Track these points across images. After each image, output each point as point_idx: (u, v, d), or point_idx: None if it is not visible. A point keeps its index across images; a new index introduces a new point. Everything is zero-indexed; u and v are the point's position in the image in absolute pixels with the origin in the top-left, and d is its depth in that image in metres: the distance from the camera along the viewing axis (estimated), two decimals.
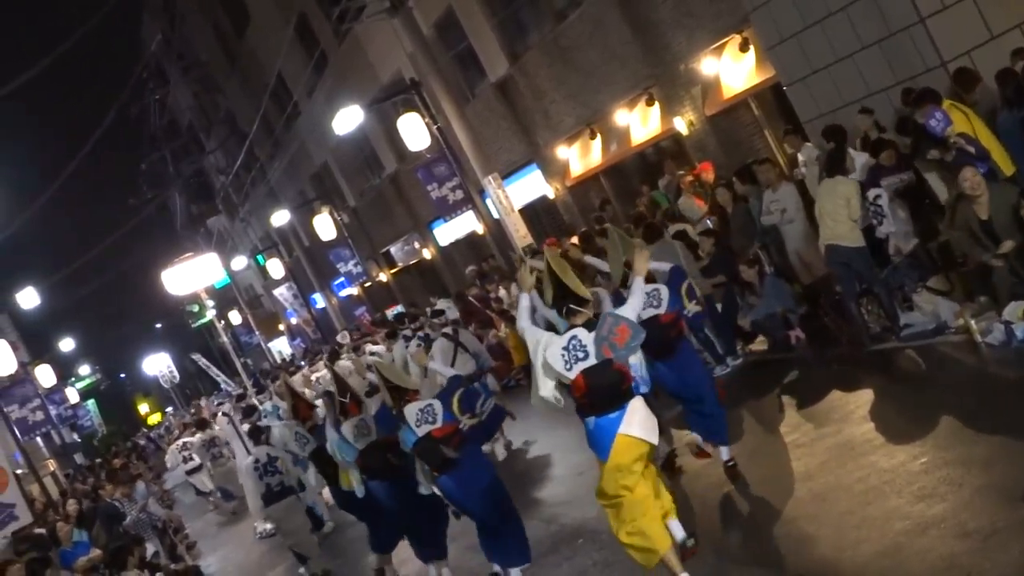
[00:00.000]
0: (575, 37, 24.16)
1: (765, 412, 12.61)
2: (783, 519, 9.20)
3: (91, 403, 75.18)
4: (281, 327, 60.75)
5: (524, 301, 9.00)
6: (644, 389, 8.60)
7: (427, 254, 39.33)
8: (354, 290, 46.91)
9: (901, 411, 10.65)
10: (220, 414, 29.40)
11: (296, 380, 26.84)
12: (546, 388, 8.63)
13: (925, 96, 12.85)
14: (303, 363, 35.40)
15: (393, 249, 43.18)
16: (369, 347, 25.32)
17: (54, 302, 56.49)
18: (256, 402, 27.23)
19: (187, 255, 31.66)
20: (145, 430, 65.63)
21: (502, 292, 23.99)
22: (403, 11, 24.01)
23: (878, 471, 9.00)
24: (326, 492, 17.76)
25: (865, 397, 11.37)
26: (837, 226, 13.01)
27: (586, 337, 8.30)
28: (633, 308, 8.48)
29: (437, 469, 10.58)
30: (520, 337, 9.70)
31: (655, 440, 8.41)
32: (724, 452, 10.97)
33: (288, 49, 36.86)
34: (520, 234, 23.79)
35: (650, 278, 10.81)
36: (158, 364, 63.85)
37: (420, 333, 20.76)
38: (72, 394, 63.46)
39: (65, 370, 68.90)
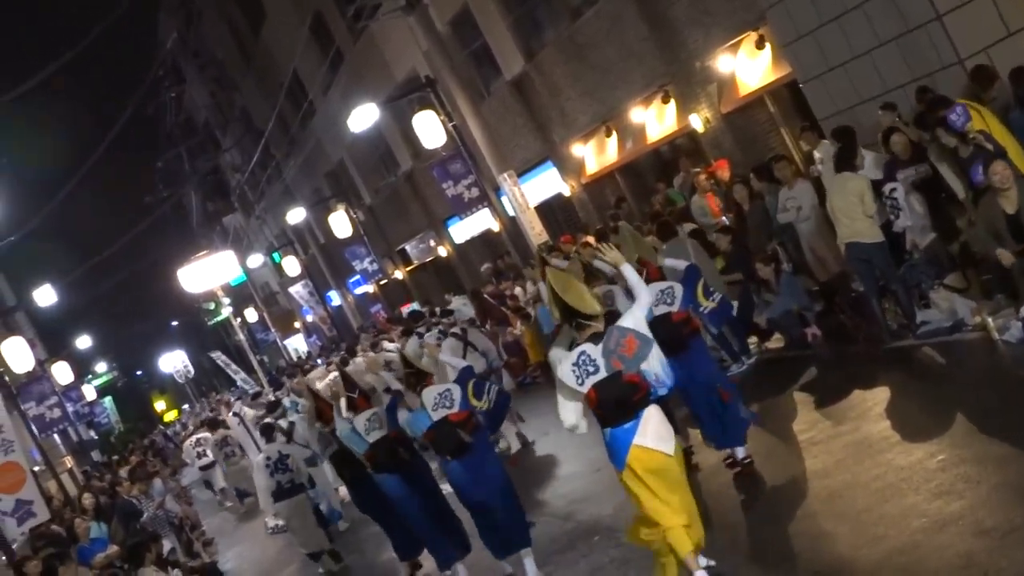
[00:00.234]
0: (591, 34, 24.14)
1: (781, 410, 12.58)
2: (800, 516, 9.19)
3: (108, 400, 75.39)
4: (297, 325, 60.81)
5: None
6: (662, 391, 8.57)
7: (443, 252, 39.34)
8: (370, 288, 46.93)
9: (918, 409, 10.63)
10: (231, 413, 29.50)
11: (314, 375, 26.89)
12: (567, 413, 8.72)
13: (938, 103, 12.83)
14: (319, 360, 35.45)
15: (409, 247, 43.19)
16: (385, 344, 25.38)
17: (71, 300, 56.61)
18: (275, 398, 27.32)
19: (203, 253, 31.74)
20: (162, 427, 65.69)
21: (517, 290, 23.99)
22: (419, 9, 24.03)
23: (895, 469, 8.99)
24: (342, 490, 17.89)
25: (882, 395, 11.36)
26: (855, 223, 12.97)
27: (594, 351, 8.30)
28: (636, 316, 8.41)
29: (451, 454, 10.75)
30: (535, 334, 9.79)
31: (670, 450, 8.37)
32: (740, 451, 11.00)
33: (304, 47, 36.93)
34: (535, 232, 23.79)
35: (658, 275, 10.90)
36: (174, 361, 64.07)
37: (439, 327, 20.79)
38: (89, 391, 63.58)
39: (82, 367, 69.02)
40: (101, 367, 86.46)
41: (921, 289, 12.93)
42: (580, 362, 8.33)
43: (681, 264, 11.59)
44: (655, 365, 8.39)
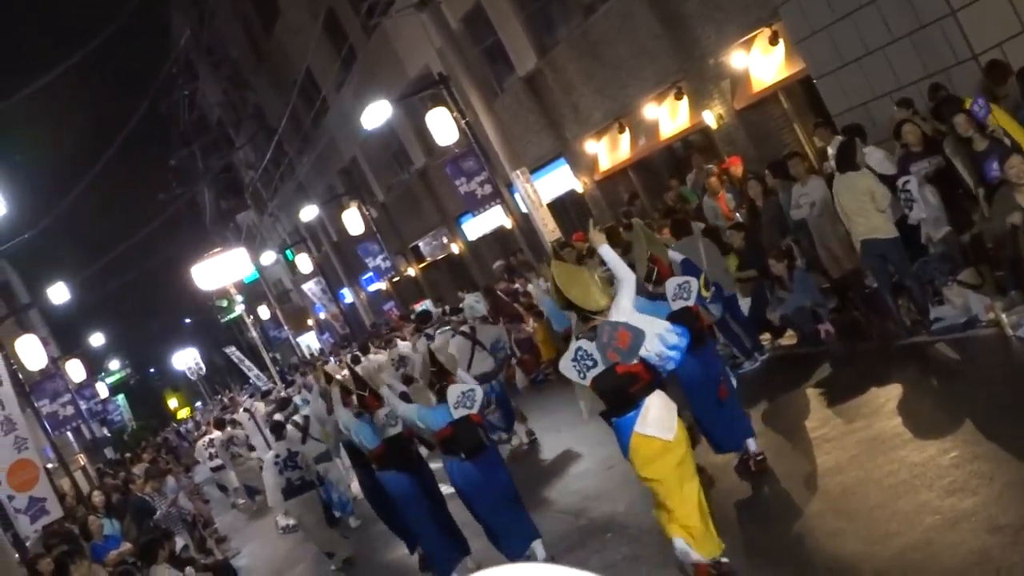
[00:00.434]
0: (604, 31, 24.12)
1: (795, 406, 12.56)
2: (812, 513, 9.17)
3: (121, 398, 75.51)
4: (310, 322, 60.90)
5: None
6: (671, 366, 8.68)
7: (455, 249, 39.34)
8: (382, 285, 46.93)
9: (931, 405, 10.61)
10: (242, 410, 29.54)
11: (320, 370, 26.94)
12: (586, 404, 8.94)
13: (949, 103, 12.81)
14: (332, 358, 35.47)
15: (421, 244, 43.22)
16: (398, 341, 25.41)
17: (84, 297, 56.77)
18: (286, 395, 27.34)
19: (216, 250, 31.78)
20: (175, 425, 65.81)
21: (530, 287, 23.97)
22: (431, 6, 24.02)
23: (908, 465, 8.97)
24: (355, 485, 17.95)
25: (895, 391, 11.33)
26: (869, 220, 12.94)
27: (589, 347, 8.46)
28: (623, 305, 8.50)
29: (468, 453, 10.86)
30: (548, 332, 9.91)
31: (670, 436, 8.44)
32: (752, 446, 10.99)
33: (317, 44, 36.92)
34: (548, 228, 23.78)
35: (669, 272, 10.99)
36: (187, 359, 64.17)
37: (449, 327, 20.81)
38: (102, 389, 63.73)
39: (95, 365, 69.20)
40: (114, 365, 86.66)
41: (935, 285, 12.90)
42: (578, 357, 8.51)
43: (678, 256, 11.71)
44: (654, 345, 8.50)
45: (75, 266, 66.51)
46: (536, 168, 27.65)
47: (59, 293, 43.40)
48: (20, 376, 32.40)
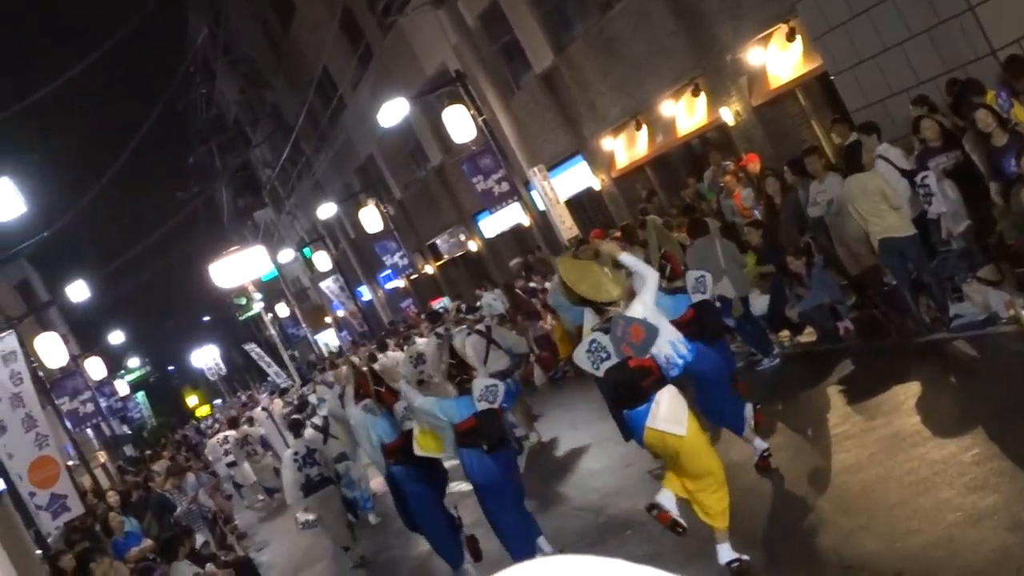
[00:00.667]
0: (620, 28, 24.11)
1: (814, 404, 12.55)
2: (833, 510, 9.16)
3: (140, 395, 75.75)
4: (328, 319, 60.94)
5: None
6: (674, 372, 8.87)
7: (473, 246, 39.35)
8: (400, 282, 46.95)
9: (951, 402, 10.61)
10: (260, 408, 29.58)
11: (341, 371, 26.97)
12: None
13: (969, 88, 12.78)
14: (349, 355, 35.53)
15: (439, 241, 43.24)
16: (416, 338, 25.47)
17: (104, 295, 56.84)
18: (301, 395, 27.42)
19: (234, 248, 31.94)
20: (195, 422, 65.98)
21: (547, 284, 24.00)
22: (448, 3, 24.11)
23: (928, 462, 8.96)
24: (374, 482, 18.01)
25: (915, 388, 11.31)
26: (885, 220, 12.94)
27: (604, 339, 8.65)
28: (644, 302, 8.72)
29: (492, 445, 10.98)
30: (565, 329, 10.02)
31: (681, 431, 8.63)
32: (760, 444, 11.15)
33: (333, 43, 36.97)
34: (566, 226, 23.81)
35: (679, 267, 11.14)
36: (206, 357, 64.34)
37: (465, 326, 20.88)
38: (122, 386, 63.93)
39: (115, 363, 69.39)
40: (134, 362, 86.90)
41: (954, 282, 12.88)
42: (592, 349, 8.72)
43: (695, 274, 11.78)
44: (664, 347, 8.72)
45: (94, 264, 66.81)
46: (553, 165, 27.65)
47: (79, 291, 43.45)
48: (41, 374, 32.56)
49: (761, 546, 9.14)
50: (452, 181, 37.16)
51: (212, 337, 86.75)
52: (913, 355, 12.75)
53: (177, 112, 58.22)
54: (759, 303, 15.45)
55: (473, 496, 11.65)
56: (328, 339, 59.61)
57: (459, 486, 14.00)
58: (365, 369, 14.39)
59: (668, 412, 8.64)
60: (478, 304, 25.17)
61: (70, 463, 26.47)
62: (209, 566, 14.75)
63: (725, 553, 8.78)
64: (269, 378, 45.53)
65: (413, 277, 45.32)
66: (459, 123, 25.56)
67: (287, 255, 55.76)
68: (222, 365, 64.06)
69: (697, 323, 10.90)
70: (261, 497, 26.99)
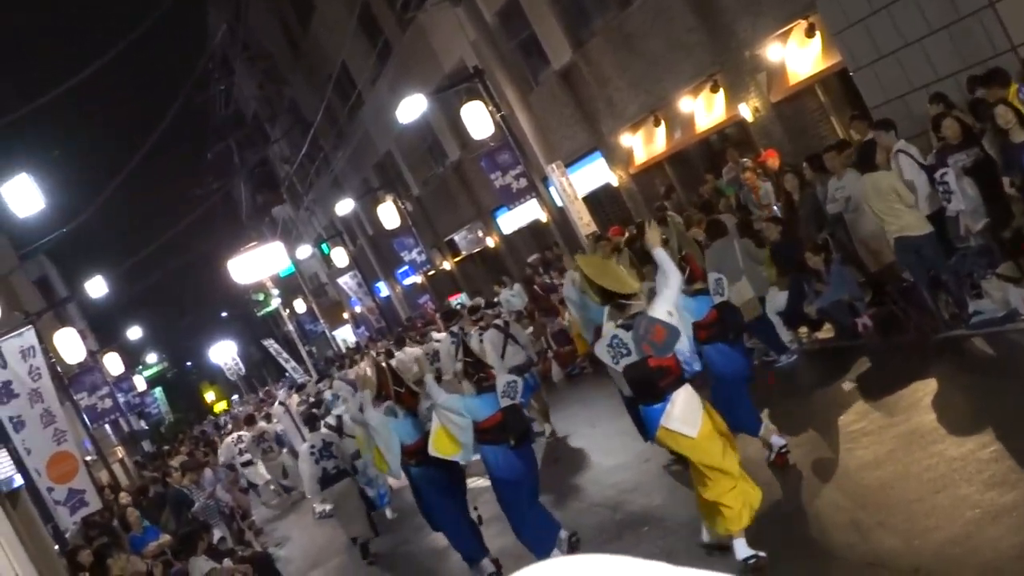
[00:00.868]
0: (639, 24, 24.08)
1: (832, 400, 12.52)
2: (851, 507, 9.14)
3: (158, 391, 75.98)
4: (345, 315, 60.99)
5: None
6: (697, 367, 9.24)
7: (490, 242, 39.36)
8: (418, 278, 47.01)
9: (970, 399, 10.57)
10: (277, 403, 29.62)
11: (363, 366, 26.99)
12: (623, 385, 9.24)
13: (994, 77, 12.74)
14: (367, 351, 35.56)
15: (457, 237, 43.24)
16: (434, 334, 25.50)
17: (122, 291, 56.92)
18: (317, 392, 27.44)
19: (252, 244, 31.95)
20: (212, 418, 66.12)
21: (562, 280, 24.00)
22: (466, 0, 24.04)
23: (947, 459, 8.93)
24: (392, 479, 18.05)
25: (933, 385, 11.28)
26: (900, 219, 12.93)
27: (625, 336, 8.82)
28: (668, 300, 8.83)
29: (518, 440, 11.13)
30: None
31: (693, 433, 8.81)
32: (778, 441, 11.21)
33: (352, 39, 37.00)
34: (584, 222, 23.75)
35: (700, 271, 11.17)
36: (224, 353, 64.39)
37: (480, 323, 20.91)
38: (140, 382, 64.15)
39: (133, 358, 69.65)
40: (151, 358, 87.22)
41: (973, 279, 12.82)
42: (613, 344, 8.89)
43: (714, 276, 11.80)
44: (687, 347, 9.05)
45: (113, 260, 67.07)
46: (571, 162, 27.62)
47: (97, 287, 43.59)
48: (59, 369, 32.66)
49: (778, 543, 9.11)
50: (470, 177, 37.17)
51: (230, 333, 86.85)
52: (932, 352, 12.71)
53: (196, 108, 58.26)
54: (778, 299, 15.42)
55: (490, 493, 11.70)
56: (346, 335, 59.66)
57: (476, 482, 14.01)
58: (385, 366, 14.39)
59: (682, 413, 8.83)
60: (496, 300, 25.17)
61: (88, 458, 26.57)
62: (227, 561, 14.79)
63: (741, 549, 8.83)
64: (287, 374, 45.52)
65: (431, 273, 45.35)
66: (477, 119, 25.52)
67: (305, 251, 55.80)
68: (241, 364, 64.03)
69: (719, 324, 10.94)
70: (276, 498, 27.03)
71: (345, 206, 46.31)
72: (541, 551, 10.94)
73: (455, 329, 21.21)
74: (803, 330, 15.85)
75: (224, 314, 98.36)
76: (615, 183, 28.35)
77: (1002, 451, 8.58)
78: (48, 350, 28.36)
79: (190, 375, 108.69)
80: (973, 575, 7.12)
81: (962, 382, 11.35)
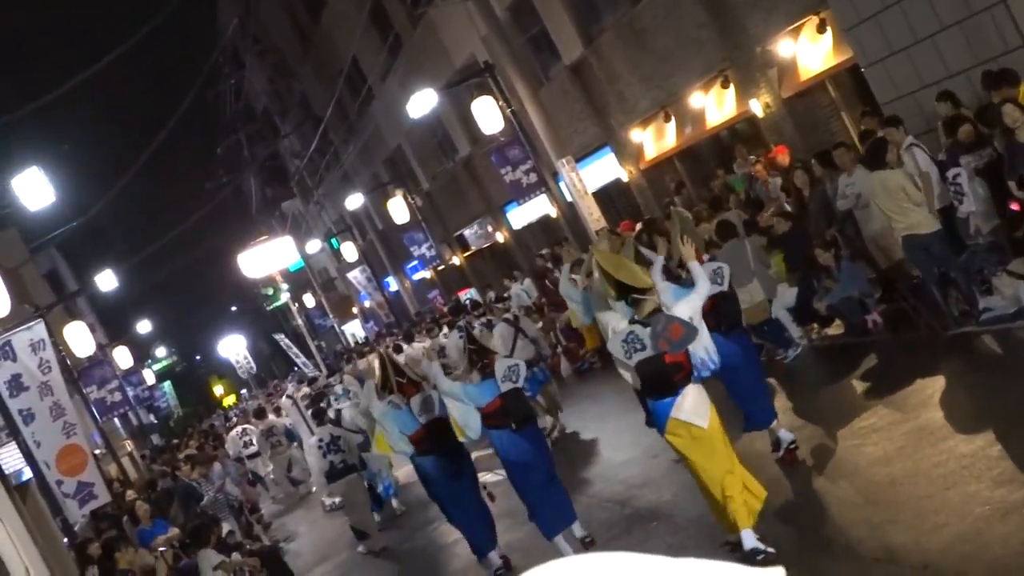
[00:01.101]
0: (650, 19, 24.04)
1: (841, 396, 12.51)
2: (860, 503, 9.14)
3: (167, 385, 76.18)
4: (355, 310, 61.03)
5: (596, 284, 9.51)
6: (705, 374, 9.30)
7: (500, 237, 39.33)
8: (427, 273, 47.04)
9: (980, 396, 10.55)
10: (285, 396, 29.64)
11: (371, 359, 27.04)
12: (629, 377, 9.31)
13: (1004, 78, 12.71)
14: (376, 345, 35.60)
15: (466, 232, 43.22)
16: (445, 328, 25.53)
17: (131, 285, 57.19)
18: (324, 384, 27.49)
19: (262, 238, 31.97)
20: (221, 411, 66.22)
21: (574, 275, 23.94)
22: None
23: (957, 456, 8.91)
24: (399, 473, 18.09)
25: (943, 382, 11.26)
26: (908, 217, 12.92)
27: (643, 332, 9.01)
28: (692, 304, 9.12)
29: (519, 423, 11.24)
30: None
31: (704, 424, 9.01)
32: (786, 436, 11.25)
33: (363, 34, 37.01)
34: (594, 217, 23.75)
35: (702, 261, 11.21)
36: (233, 347, 64.49)
37: (482, 319, 20.97)
38: (149, 376, 64.23)
39: (142, 352, 69.80)
40: (161, 352, 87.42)
41: (984, 275, 12.79)
42: (629, 339, 9.09)
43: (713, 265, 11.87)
44: (700, 350, 9.16)
45: (122, 254, 67.00)
46: (581, 157, 27.60)
47: (107, 280, 43.63)
48: (69, 362, 32.72)
49: (787, 538, 9.11)
50: (480, 172, 37.17)
51: (239, 327, 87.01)
52: (941, 348, 12.69)
53: (206, 102, 58.29)
54: (787, 295, 15.40)
55: (506, 485, 11.79)
56: (355, 330, 59.72)
57: (486, 476, 14.02)
58: (387, 358, 14.47)
59: (693, 405, 9.04)
60: (507, 295, 25.19)
61: (97, 452, 26.59)
62: (235, 555, 14.81)
63: (749, 540, 8.85)
64: (296, 368, 45.59)
65: (440, 268, 45.39)
66: (488, 114, 25.51)
67: (315, 245, 55.87)
68: (252, 362, 64.10)
69: (714, 314, 10.91)
70: (281, 494, 27.05)
71: (355, 201, 46.35)
72: (548, 532, 11.12)
73: (461, 323, 21.25)
74: (813, 326, 15.82)
75: (233, 308, 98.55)
76: (625, 178, 28.33)
77: (1011, 448, 8.57)
78: (58, 343, 28.38)
79: (199, 369, 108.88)
80: (982, 572, 7.11)
81: (972, 379, 11.33)
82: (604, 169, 28.90)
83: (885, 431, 10.44)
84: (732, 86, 22.44)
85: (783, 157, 19.52)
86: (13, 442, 17.73)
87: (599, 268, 9.66)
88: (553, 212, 29.79)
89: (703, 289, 9.31)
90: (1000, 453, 8.57)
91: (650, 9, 23.88)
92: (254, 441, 26.56)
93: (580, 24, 27.32)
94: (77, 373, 34.23)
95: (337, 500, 18.11)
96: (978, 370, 11.82)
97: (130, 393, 43.74)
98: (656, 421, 9.38)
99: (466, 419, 11.63)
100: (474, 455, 13.51)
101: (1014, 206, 12.39)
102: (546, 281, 24.60)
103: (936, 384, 11.22)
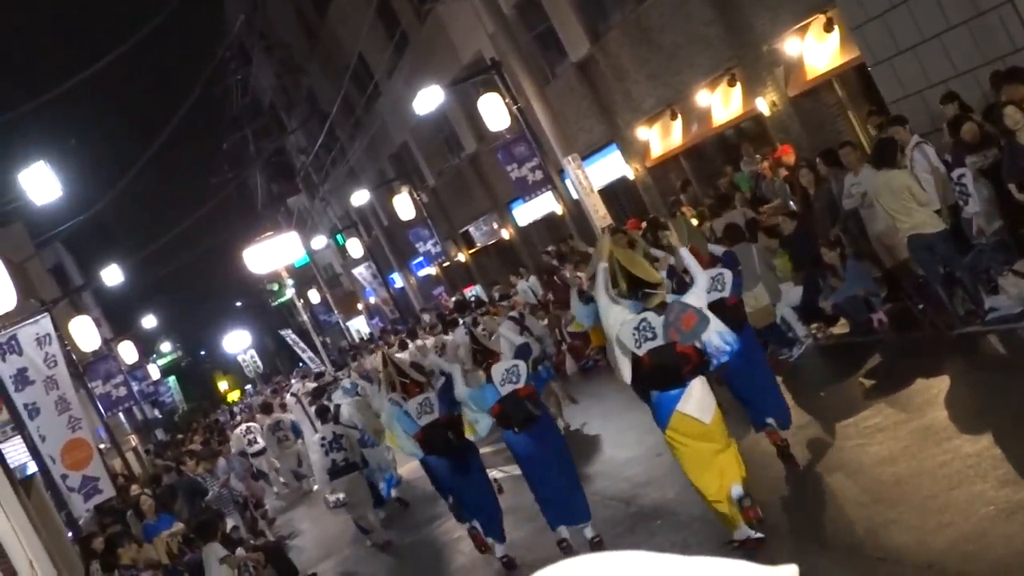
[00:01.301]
0: (657, 17, 24.02)
1: (846, 395, 12.50)
2: (864, 502, 9.13)
3: (172, 380, 76.22)
4: (359, 306, 61.07)
5: (600, 275, 9.48)
6: (724, 358, 9.26)
7: (506, 234, 39.32)
8: (432, 270, 47.06)
9: (985, 396, 10.53)
10: (289, 394, 29.64)
11: (372, 359, 27.07)
12: (625, 369, 9.25)
13: (1013, 76, 12.69)
14: (380, 342, 35.64)
15: (472, 229, 43.22)
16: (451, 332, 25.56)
17: (136, 280, 57.20)
18: (331, 378, 27.50)
19: (268, 234, 31.94)
20: (225, 407, 66.27)
21: (579, 273, 23.96)
22: None
23: (962, 456, 8.90)
24: (404, 469, 18.13)
25: (948, 381, 11.26)
26: (913, 217, 12.91)
27: (656, 320, 9.01)
28: (699, 293, 9.23)
29: (519, 425, 11.29)
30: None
31: (707, 419, 9.09)
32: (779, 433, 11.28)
33: (369, 30, 36.98)
34: (599, 215, 23.73)
35: (705, 262, 11.18)
36: (238, 342, 64.55)
37: (486, 317, 21.04)
38: (153, 371, 64.28)
39: (147, 347, 69.81)
40: (166, 347, 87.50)
41: (990, 275, 12.79)
42: (641, 327, 9.08)
43: (718, 249, 11.96)
44: (714, 338, 9.12)
45: (128, 249, 67.06)
46: (587, 154, 27.60)
47: (112, 275, 43.71)
48: (74, 357, 32.76)
49: (791, 537, 9.12)
50: (486, 169, 37.16)
51: (244, 323, 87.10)
52: (947, 348, 12.68)
53: (212, 98, 58.32)
54: (792, 294, 15.40)
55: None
56: (360, 326, 59.74)
57: (493, 472, 14.03)
58: (388, 358, 14.55)
59: (699, 400, 9.09)
60: (512, 292, 25.19)
61: (102, 446, 26.63)
62: (239, 550, 14.84)
63: (740, 530, 9.20)
64: (301, 364, 45.56)
65: (445, 264, 45.40)
66: (494, 111, 25.51)
67: (320, 241, 55.89)
68: (258, 360, 64.18)
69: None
70: (286, 487, 27.07)
71: (361, 197, 46.39)
72: (552, 523, 11.32)
73: (467, 320, 21.29)
74: (818, 325, 15.82)
75: (238, 304, 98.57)
76: (631, 176, 28.32)
77: (1017, 448, 8.56)
78: (63, 338, 28.44)
79: (204, 364, 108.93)
80: (987, 571, 7.11)
81: (977, 379, 11.32)
82: (610, 167, 28.90)
83: (890, 430, 10.43)
84: (739, 84, 22.44)
85: (788, 157, 19.52)
86: (19, 436, 17.78)
87: (613, 261, 9.63)
88: (559, 210, 29.78)
89: (702, 281, 9.43)
90: (1005, 453, 8.56)
91: (657, 7, 23.86)
92: (258, 439, 26.57)
93: (587, 22, 27.31)
94: (82, 368, 34.31)
95: (341, 496, 18.17)
96: (983, 370, 11.82)
97: (135, 388, 43.79)
98: (659, 415, 9.34)
99: (476, 418, 11.75)
100: (483, 450, 13.56)
101: None
102: (555, 277, 24.58)
103: (941, 383, 11.21)
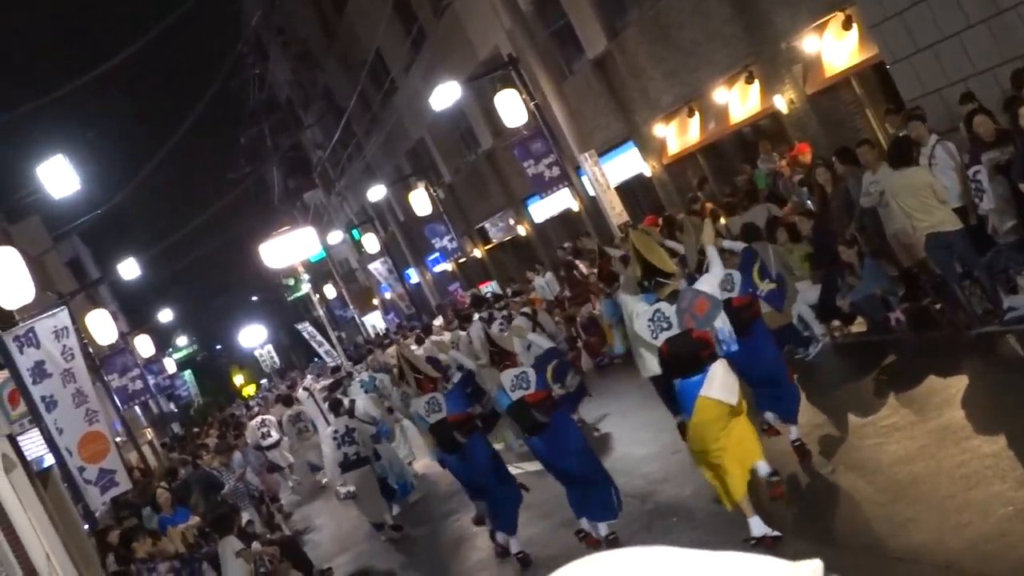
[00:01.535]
0: (675, 14, 23.98)
1: (863, 394, 12.48)
2: (881, 502, 9.12)
3: (188, 374, 76.26)
4: (375, 302, 61.07)
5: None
6: (734, 347, 9.46)
7: (522, 231, 39.30)
8: (448, 266, 47.09)
9: (1003, 395, 10.50)
10: (301, 388, 29.69)
11: (391, 352, 27.08)
12: (651, 364, 9.44)
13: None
14: (397, 336, 35.66)
15: (488, 225, 43.21)
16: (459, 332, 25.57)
17: (153, 274, 57.29)
18: (346, 372, 27.54)
19: (284, 229, 31.99)
20: (241, 400, 66.36)
21: (595, 269, 23.98)
22: None
23: (980, 456, 8.88)
24: (416, 464, 18.17)
25: (966, 381, 11.23)
26: (933, 215, 12.85)
27: (669, 310, 9.16)
28: (711, 280, 9.39)
29: (528, 431, 11.46)
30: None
31: (734, 401, 9.19)
32: (793, 431, 11.26)
33: (387, 25, 37.01)
34: (616, 212, 23.75)
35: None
36: (254, 337, 64.64)
37: (503, 313, 21.04)
38: (170, 364, 64.38)
39: (163, 341, 69.92)
40: (182, 341, 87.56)
41: (1008, 274, 12.74)
42: (655, 318, 9.25)
43: (738, 246, 11.93)
44: (724, 324, 9.40)
45: (145, 243, 67.29)
46: (604, 151, 27.57)
47: (129, 269, 43.79)
48: (91, 350, 32.85)
49: (808, 535, 9.10)
50: (502, 165, 37.16)
51: (260, 317, 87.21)
52: (965, 347, 12.65)
53: (230, 92, 58.44)
54: (810, 293, 15.37)
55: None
56: (375, 321, 59.76)
57: (515, 471, 14.04)
58: (403, 355, 14.59)
59: (723, 383, 9.18)
60: (529, 289, 25.19)
61: (118, 439, 26.69)
62: (255, 544, 14.86)
63: (757, 527, 9.24)
64: (316, 359, 45.59)
65: (461, 261, 45.44)
66: (511, 107, 25.52)
67: (336, 236, 55.91)
68: (276, 356, 64.23)
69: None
70: (297, 478, 27.13)
71: (377, 192, 46.38)
72: (576, 514, 11.54)
73: (484, 315, 21.32)
74: (835, 323, 15.79)
75: (255, 298, 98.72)
76: (648, 173, 28.28)
77: None
78: (80, 331, 28.51)
79: (220, 358, 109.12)
80: (1005, 572, 7.09)
81: (995, 378, 11.29)
82: (627, 164, 28.86)
83: (907, 430, 10.41)
84: (756, 82, 22.39)
85: (805, 156, 19.48)
86: (36, 428, 17.80)
87: (633, 249, 9.82)
88: (575, 206, 29.77)
89: (717, 270, 9.57)
90: None
91: (675, 4, 23.82)
92: (272, 432, 26.61)
93: (604, 18, 27.28)
94: (99, 361, 34.43)
95: (351, 489, 18.24)
96: (1001, 369, 11.78)
97: (151, 381, 43.96)
98: (683, 403, 9.44)
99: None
100: (497, 446, 13.67)
101: None
102: (573, 272, 24.59)
103: (959, 383, 11.19)
